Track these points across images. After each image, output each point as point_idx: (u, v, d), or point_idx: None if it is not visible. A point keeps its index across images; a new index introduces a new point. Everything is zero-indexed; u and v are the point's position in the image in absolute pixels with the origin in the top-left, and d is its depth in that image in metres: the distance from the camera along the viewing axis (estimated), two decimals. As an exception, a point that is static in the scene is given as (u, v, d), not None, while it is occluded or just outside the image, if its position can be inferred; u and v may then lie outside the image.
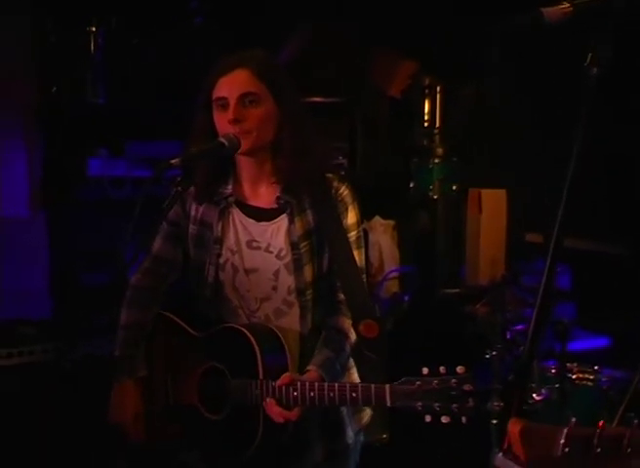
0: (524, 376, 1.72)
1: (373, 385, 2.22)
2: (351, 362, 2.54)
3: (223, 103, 2.38)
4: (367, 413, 2.59)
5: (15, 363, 3.42)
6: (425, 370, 2.18)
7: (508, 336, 3.40)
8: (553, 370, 3.33)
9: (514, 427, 1.40)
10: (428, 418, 2.15)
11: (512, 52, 4.46)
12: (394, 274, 4.90)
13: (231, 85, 2.37)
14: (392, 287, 4.86)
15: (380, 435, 3.75)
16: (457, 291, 4.84)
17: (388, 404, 2.19)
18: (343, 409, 2.51)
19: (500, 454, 1.49)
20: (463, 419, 2.12)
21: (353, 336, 2.45)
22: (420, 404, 2.15)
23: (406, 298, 4.70)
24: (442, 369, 2.16)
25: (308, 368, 2.37)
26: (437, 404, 2.13)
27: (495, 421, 3.27)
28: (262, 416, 2.34)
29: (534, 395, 3.28)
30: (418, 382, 2.16)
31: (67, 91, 4.40)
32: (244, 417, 2.38)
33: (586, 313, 4.14)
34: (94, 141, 4.47)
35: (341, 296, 2.48)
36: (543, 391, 3.28)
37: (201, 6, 4.85)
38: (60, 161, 4.41)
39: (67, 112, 4.40)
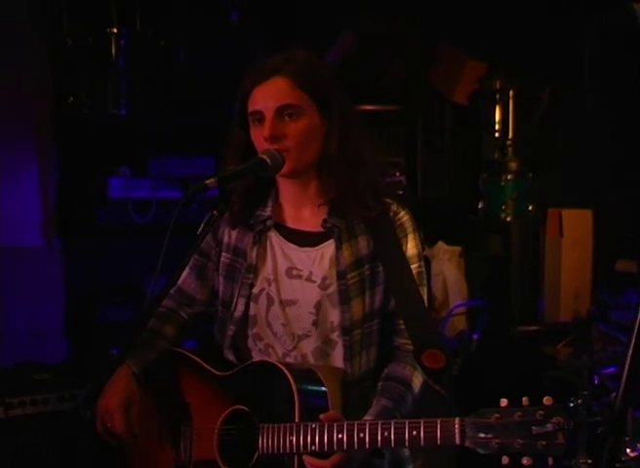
0: (616, 429, 1.71)
1: (439, 419, 2.14)
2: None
3: (259, 118, 2.39)
4: None
5: (28, 413, 3.45)
6: (504, 402, 2.10)
7: (596, 381, 3.39)
8: (650, 422, 3.31)
9: None
10: (505, 460, 2.06)
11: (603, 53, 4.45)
12: (461, 309, 4.89)
13: (267, 97, 2.38)
14: (459, 323, 4.86)
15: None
16: (534, 328, 4.81)
17: (457, 442, 2.11)
18: None
19: None
20: (550, 461, 2.05)
21: (417, 388, 2.44)
22: (496, 441, 2.06)
23: (475, 337, 4.68)
24: (525, 400, 2.08)
25: (364, 418, 2.33)
26: (519, 440, 2.05)
27: (582, 482, 3.26)
28: None
29: (627, 450, 3.25)
30: (495, 414, 2.09)
31: (86, 101, 4.46)
32: None
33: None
34: (115, 159, 4.52)
35: (402, 341, 2.47)
36: (639, 446, 3.26)
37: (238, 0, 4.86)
38: (76, 181, 4.47)
39: (85, 125, 4.46)
